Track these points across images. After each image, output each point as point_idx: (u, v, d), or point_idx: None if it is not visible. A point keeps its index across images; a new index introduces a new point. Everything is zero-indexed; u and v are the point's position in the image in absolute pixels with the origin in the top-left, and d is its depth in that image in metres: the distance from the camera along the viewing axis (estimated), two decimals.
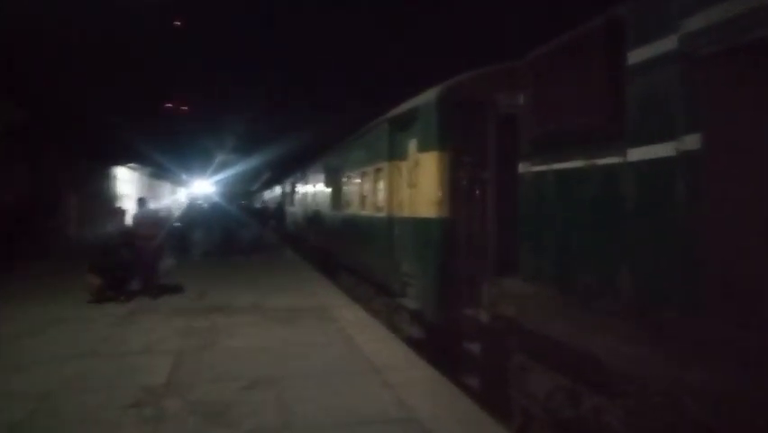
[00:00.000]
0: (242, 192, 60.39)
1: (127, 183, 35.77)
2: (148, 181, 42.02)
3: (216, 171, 51.45)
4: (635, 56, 3.89)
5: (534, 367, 4.71)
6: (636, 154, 3.90)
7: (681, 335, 3.30)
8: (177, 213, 28.29)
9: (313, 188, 21.31)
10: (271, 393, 6.03)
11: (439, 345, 7.38)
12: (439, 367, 6.62)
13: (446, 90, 7.42)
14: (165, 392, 6.07)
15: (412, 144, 8.36)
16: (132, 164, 34.94)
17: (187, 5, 24.00)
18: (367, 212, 11.42)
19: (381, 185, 10.15)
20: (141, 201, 13.36)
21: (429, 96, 7.72)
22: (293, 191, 29.25)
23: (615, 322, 3.81)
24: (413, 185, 8.13)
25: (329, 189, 16.94)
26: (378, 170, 10.41)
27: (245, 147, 40.56)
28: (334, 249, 15.85)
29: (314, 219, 20.27)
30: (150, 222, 12.35)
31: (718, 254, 3.21)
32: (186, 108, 32.37)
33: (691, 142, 3.35)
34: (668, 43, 3.56)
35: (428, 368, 6.95)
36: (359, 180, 12.29)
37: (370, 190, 11.05)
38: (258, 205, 48.83)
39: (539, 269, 5.05)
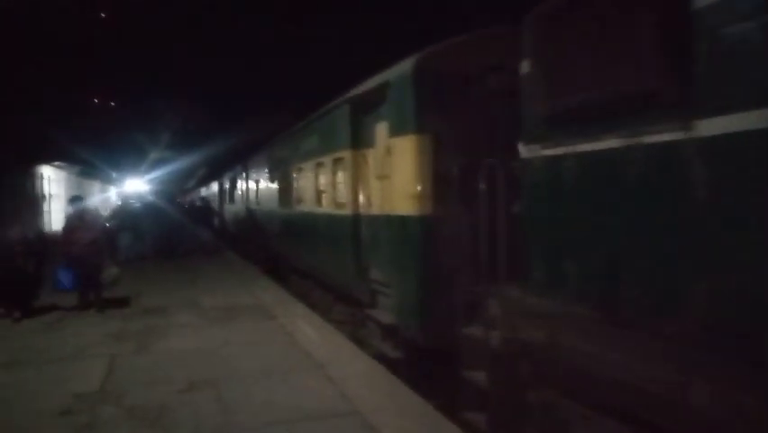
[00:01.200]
0: (176, 190, 57.48)
1: (54, 182, 33.08)
2: (76, 180, 39.26)
3: (150, 169, 48.90)
4: None
5: (570, 407, 3.58)
6: (713, 127, 2.85)
7: None
8: (107, 213, 25.45)
9: (256, 184, 18.81)
10: (210, 394, 5.80)
11: (424, 370, 6.14)
12: (424, 394, 5.51)
13: (426, 59, 6.05)
14: (98, 399, 5.78)
15: (381, 128, 7.02)
16: (58, 162, 32.33)
17: None
18: (325, 209, 9.70)
19: (343, 177, 8.59)
20: (75, 200, 11.25)
21: (403, 67, 6.35)
22: (232, 187, 26.23)
23: (702, 354, 2.75)
24: (384, 177, 6.78)
25: (276, 184, 14.76)
26: (338, 161, 8.81)
27: (180, 143, 38.48)
28: (284, 250, 13.94)
29: (257, 218, 18.14)
30: (87, 225, 10.24)
31: None
32: (113, 103, 30.32)
33: None
34: None
35: (371, 361, 6.81)
36: (313, 173, 10.48)
37: (329, 184, 9.34)
38: (184, 203, 45.02)
39: (558, 280, 3.92)
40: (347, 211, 8.21)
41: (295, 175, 12.20)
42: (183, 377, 6.31)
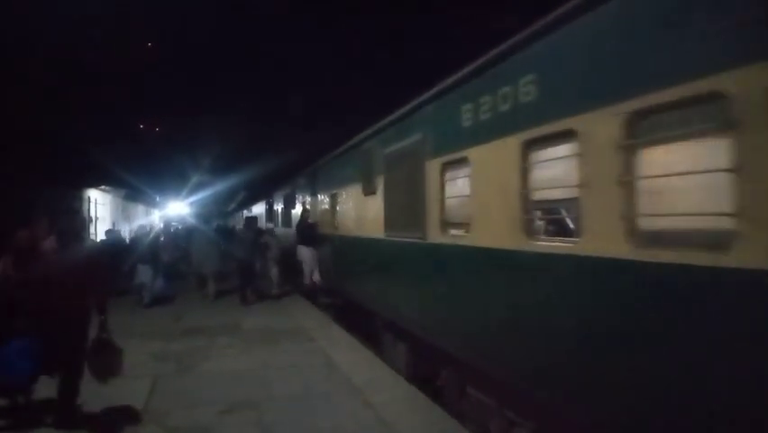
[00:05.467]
0: (216, 213, 57.55)
1: (100, 205, 33.52)
2: (122, 203, 39.77)
3: (191, 192, 49.40)
4: None
5: None
6: None
7: None
8: (146, 238, 19.78)
9: (331, 199, 12.48)
10: (251, 416, 5.81)
11: None
12: None
13: None
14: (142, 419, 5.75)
15: None
16: (104, 186, 32.79)
17: (159, 25, 22.54)
18: (561, 246, 4.31)
19: (686, 160, 3.25)
20: (64, 221, 6.22)
21: None
22: (287, 206, 19.79)
23: None
24: None
25: (374, 200, 8.99)
26: (641, 120, 3.46)
27: (222, 167, 38.67)
28: (386, 303, 8.36)
29: (332, 249, 12.44)
30: (79, 271, 5.60)
31: None
32: (157, 129, 30.74)
33: None
34: None
35: (409, 386, 6.67)
36: (492, 173, 5.14)
37: (594, 191, 3.85)
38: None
39: None
40: (727, 260, 2.89)
41: (425, 181, 6.73)
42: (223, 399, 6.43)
